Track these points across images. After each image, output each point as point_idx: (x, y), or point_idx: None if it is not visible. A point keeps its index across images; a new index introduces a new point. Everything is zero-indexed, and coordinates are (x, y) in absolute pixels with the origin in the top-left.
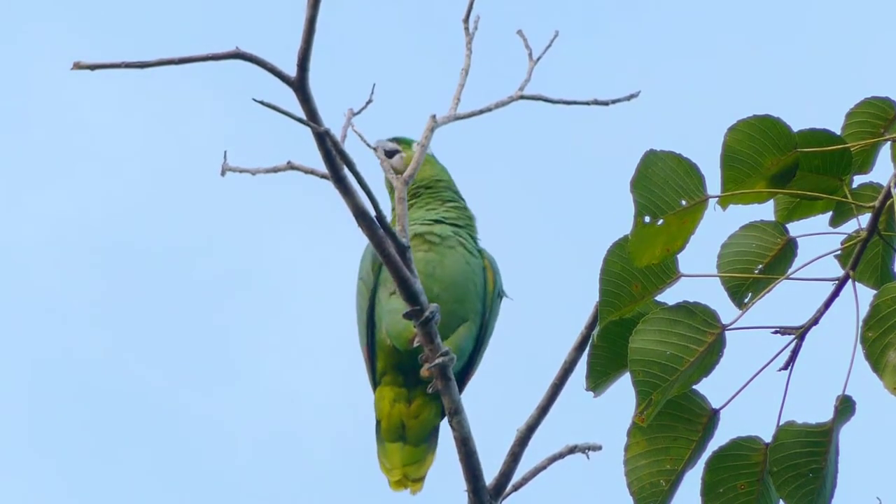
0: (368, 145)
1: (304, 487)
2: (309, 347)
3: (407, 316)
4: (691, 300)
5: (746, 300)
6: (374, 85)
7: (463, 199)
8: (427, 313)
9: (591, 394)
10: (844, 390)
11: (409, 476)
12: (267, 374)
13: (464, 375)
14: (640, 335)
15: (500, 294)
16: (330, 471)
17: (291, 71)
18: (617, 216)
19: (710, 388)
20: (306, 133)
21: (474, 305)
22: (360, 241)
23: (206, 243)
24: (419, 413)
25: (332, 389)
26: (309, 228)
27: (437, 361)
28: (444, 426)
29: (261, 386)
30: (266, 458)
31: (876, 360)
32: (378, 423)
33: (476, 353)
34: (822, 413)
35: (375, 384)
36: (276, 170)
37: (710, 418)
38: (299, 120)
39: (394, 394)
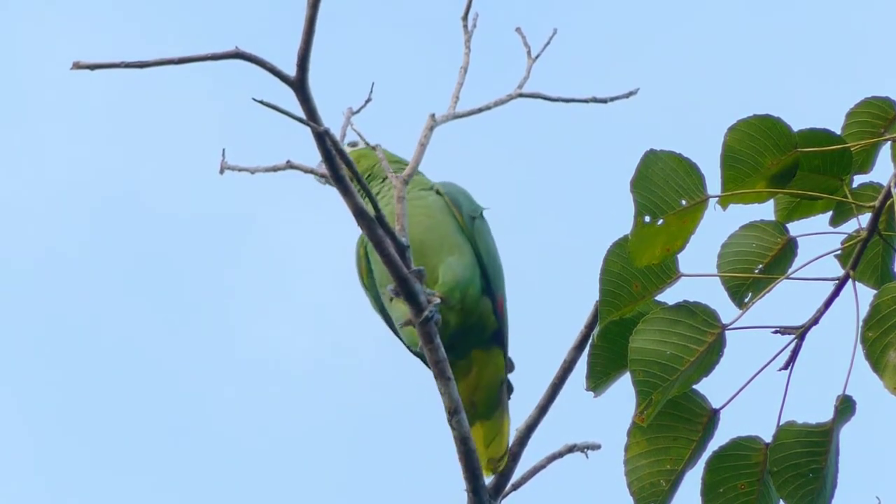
0: (368, 144)
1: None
2: (303, 309)
3: (406, 324)
4: (691, 300)
5: (746, 300)
6: (372, 84)
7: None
8: (426, 313)
9: (591, 394)
10: (844, 390)
11: (494, 458)
12: (259, 337)
13: (494, 306)
14: (640, 335)
15: (473, 216)
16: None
17: (291, 71)
18: (617, 216)
19: (710, 388)
20: (306, 132)
21: (450, 238)
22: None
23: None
24: (480, 376)
25: (324, 354)
26: (303, 194)
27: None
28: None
29: (251, 349)
30: (256, 419)
31: (876, 360)
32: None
33: (488, 279)
34: (822, 413)
35: None
36: (275, 169)
37: (711, 418)
38: (299, 119)
39: (470, 388)
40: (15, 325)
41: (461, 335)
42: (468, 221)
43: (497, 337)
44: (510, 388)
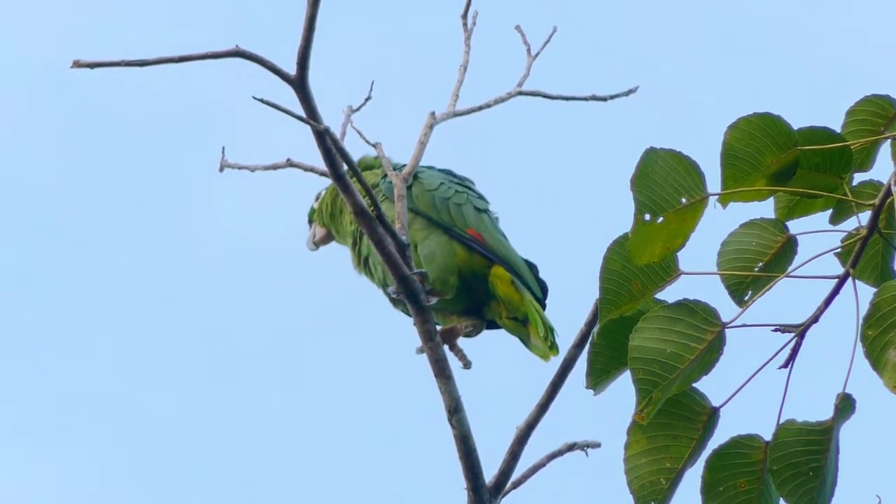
0: (368, 142)
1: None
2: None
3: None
4: (691, 298)
5: (746, 298)
6: (372, 82)
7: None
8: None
9: (591, 392)
10: (845, 388)
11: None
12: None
13: (476, 244)
14: (640, 333)
15: (410, 183)
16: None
17: (291, 69)
18: (617, 214)
19: (710, 387)
20: (306, 130)
21: (418, 224)
22: None
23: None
24: (503, 302)
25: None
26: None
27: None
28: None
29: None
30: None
31: (876, 359)
32: (523, 342)
33: (451, 229)
34: (822, 411)
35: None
36: (275, 167)
37: (710, 416)
38: (299, 118)
39: (503, 313)
40: None
41: (471, 292)
42: (410, 183)
43: (493, 261)
44: (544, 292)
